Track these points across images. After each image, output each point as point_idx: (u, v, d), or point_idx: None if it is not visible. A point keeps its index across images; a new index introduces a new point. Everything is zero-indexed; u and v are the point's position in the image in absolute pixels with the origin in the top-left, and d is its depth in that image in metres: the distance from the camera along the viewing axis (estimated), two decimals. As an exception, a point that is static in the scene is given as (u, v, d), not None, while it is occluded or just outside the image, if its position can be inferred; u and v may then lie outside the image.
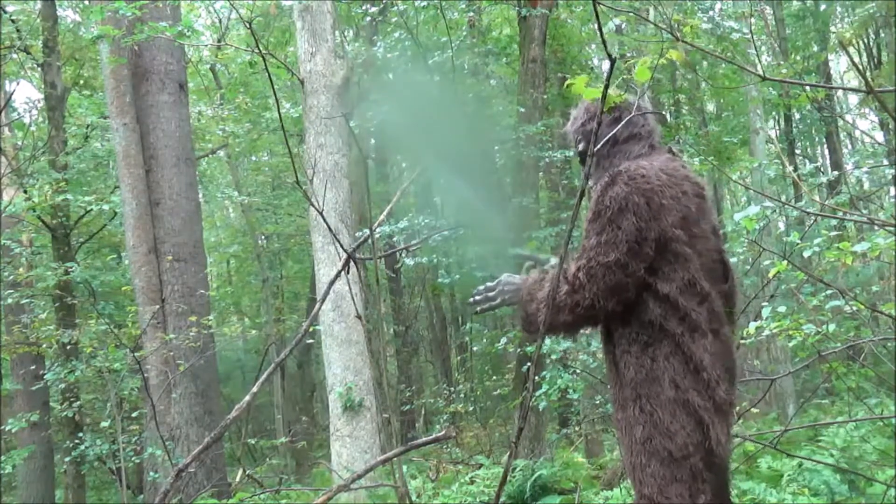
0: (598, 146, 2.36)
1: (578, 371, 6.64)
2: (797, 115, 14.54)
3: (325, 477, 10.58)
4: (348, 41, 12.89)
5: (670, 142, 10.22)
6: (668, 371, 2.23)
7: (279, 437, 12.65)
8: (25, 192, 9.62)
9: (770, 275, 4.04)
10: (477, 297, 2.48)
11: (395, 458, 3.44)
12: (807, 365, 4.74)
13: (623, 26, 10.34)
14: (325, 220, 3.62)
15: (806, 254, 4.13)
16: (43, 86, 11.27)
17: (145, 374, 7.00)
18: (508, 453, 3.17)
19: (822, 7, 13.71)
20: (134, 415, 9.15)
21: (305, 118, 7.77)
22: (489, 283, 2.47)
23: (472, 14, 10.28)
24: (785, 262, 3.72)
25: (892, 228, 3.49)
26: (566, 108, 11.69)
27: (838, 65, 18.60)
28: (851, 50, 13.83)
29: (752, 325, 4.15)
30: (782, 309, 4.38)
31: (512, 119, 9.05)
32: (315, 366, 16.58)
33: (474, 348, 14.19)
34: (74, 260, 10.39)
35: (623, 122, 2.36)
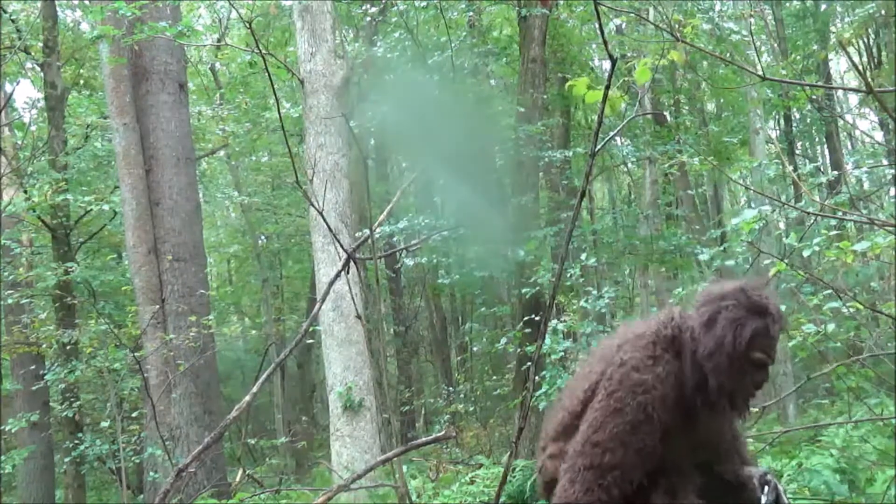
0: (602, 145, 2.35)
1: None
2: (797, 115, 14.52)
3: (325, 477, 10.57)
4: (348, 41, 12.88)
5: (670, 142, 10.21)
6: None
7: (279, 437, 12.64)
8: (25, 192, 9.62)
9: (769, 275, 4.04)
10: None
11: (395, 458, 3.44)
12: (809, 378, 4.72)
13: (623, 26, 10.36)
14: (325, 220, 3.62)
15: (806, 253, 4.13)
16: (43, 86, 11.27)
17: (145, 374, 7.00)
18: (508, 453, 3.17)
19: (822, 7, 13.69)
20: (134, 415, 9.16)
21: (305, 118, 7.77)
22: None
23: (472, 14, 10.27)
24: (784, 263, 3.73)
25: (892, 228, 3.49)
26: (566, 108, 11.71)
27: (838, 65, 18.57)
28: (851, 50, 13.82)
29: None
30: (782, 309, 4.36)
31: (512, 119, 9.04)
32: (315, 366, 16.56)
33: (474, 348, 14.18)
34: (74, 260, 10.39)
35: (624, 123, 2.34)
